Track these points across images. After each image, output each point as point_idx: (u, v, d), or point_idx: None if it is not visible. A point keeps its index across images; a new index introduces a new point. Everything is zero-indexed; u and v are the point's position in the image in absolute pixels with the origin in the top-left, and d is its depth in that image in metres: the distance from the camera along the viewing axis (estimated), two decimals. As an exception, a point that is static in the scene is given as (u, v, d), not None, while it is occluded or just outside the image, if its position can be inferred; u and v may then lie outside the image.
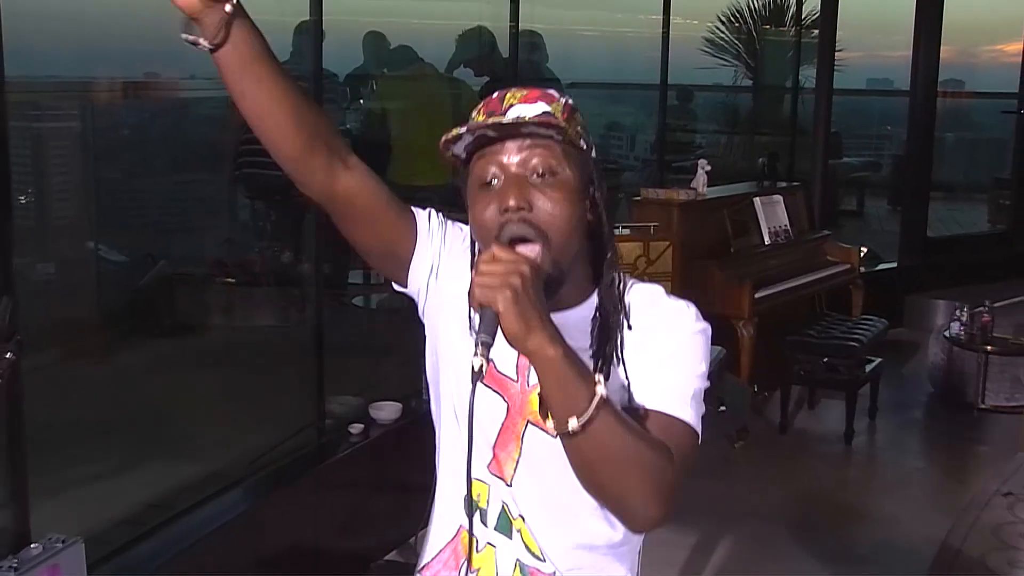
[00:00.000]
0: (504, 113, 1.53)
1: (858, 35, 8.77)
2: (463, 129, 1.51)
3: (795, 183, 6.48)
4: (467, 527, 1.61)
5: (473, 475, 1.55)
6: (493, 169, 1.52)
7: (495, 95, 1.57)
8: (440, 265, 1.66)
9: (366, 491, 4.13)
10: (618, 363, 1.56)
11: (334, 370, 4.20)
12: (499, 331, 1.39)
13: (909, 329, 7.24)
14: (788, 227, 5.95)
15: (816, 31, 7.37)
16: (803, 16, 7.97)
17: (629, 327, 1.58)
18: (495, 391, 1.63)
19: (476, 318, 1.43)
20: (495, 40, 5.94)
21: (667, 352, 1.55)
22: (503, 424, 1.63)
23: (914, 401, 6.20)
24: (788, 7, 8.36)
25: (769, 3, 8.54)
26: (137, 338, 5.36)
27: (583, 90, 8.08)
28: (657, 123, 7.05)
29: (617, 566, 1.70)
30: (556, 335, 1.39)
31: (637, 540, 1.72)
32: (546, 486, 1.61)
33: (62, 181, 5.38)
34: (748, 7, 8.57)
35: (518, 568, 1.66)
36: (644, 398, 1.53)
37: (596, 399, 1.38)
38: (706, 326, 1.60)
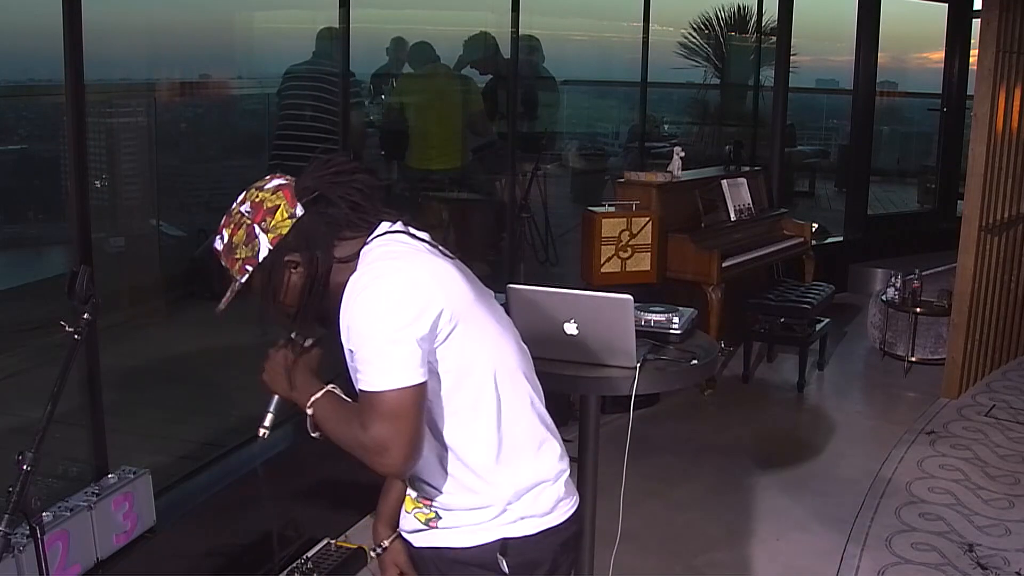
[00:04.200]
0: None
1: (810, 42, 8.73)
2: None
3: (756, 168, 6.45)
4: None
5: None
6: None
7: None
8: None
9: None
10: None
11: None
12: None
13: (852, 294, 7.26)
14: (751, 205, 5.94)
15: (774, 38, 7.32)
16: (763, 25, 7.93)
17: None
18: None
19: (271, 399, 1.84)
20: (498, 43, 5.91)
21: (351, 335, 1.66)
22: None
23: (856, 355, 6.22)
24: (750, 17, 8.30)
25: (734, 13, 8.47)
26: (193, 300, 5.36)
27: (574, 87, 8.05)
28: (638, 115, 7.01)
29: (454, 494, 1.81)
30: (310, 386, 1.79)
31: (481, 479, 1.78)
32: None
33: (130, 167, 5.37)
34: (716, 16, 8.50)
35: (414, 503, 1.90)
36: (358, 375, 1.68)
37: (314, 397, 1.75)
38: (373, 290, 1.62)
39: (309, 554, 3.43)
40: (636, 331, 2.88)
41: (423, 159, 5.76)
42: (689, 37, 8.53)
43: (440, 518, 1.83)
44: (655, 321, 3.76)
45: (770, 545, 3.74)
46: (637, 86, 6.70)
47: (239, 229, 1.71)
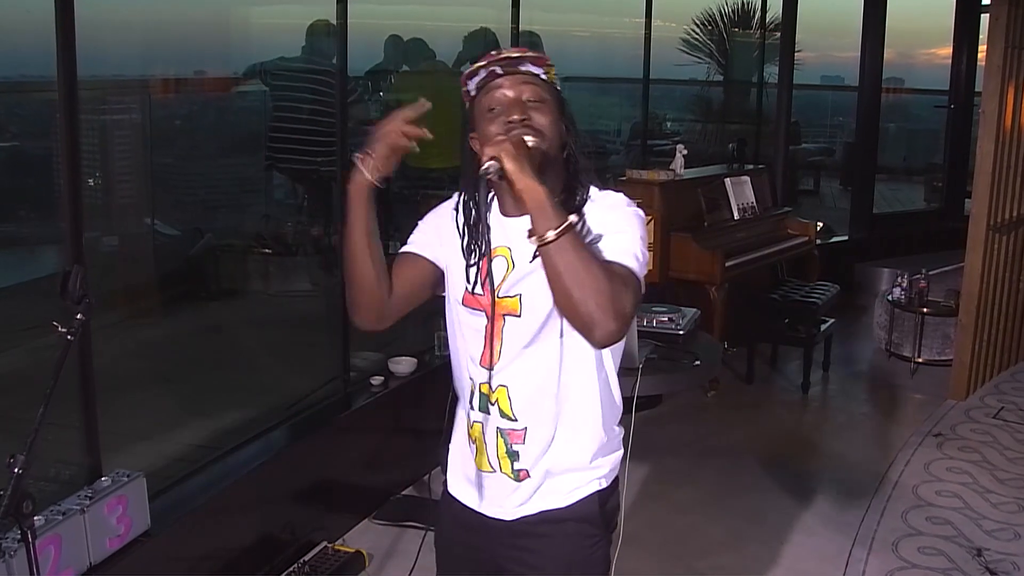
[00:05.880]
0: (501, 55, 1.79)
1: (814, 38, 8.72)
2: (482, 63, 1.79)
3: (760, 166, 6.46)
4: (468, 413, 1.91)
5: (469, 373, 1.88)
6: (497, 97, 1.79)
7: (492, 51, 1.81)
8: (442, 241, 1.91)
9: (385, 435, 4.16)
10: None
11: (358, 329, 4.21)
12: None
13: (858, 294, 7.25)
14: (754, 204, 5.94)
15: (778, 34, 7.32)
16: (767, 20, 7.92)
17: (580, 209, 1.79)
18: (474, 308, 1.86)
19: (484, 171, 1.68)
20: (498, 40, 5.90)
21: (613, 224, 1.76)
22: (486, 328, 1.84)
23: (861, 356, 6.22)
24: (754, 12, 8.30)
25: (738, 8, 8.46)
26: (187, 301, 5.36)
27: (575, 83, 8.04)
28: (640, 112, 7.01)
29: (575, 448, 1.89)
30: (542, 181, 1.65)
31: (594, 431, 1.89)
32: (521, 359, 1.82)
33: (124, 165, 5.36)
34: (719, 11, 8.50)
35: (499, 434, 1.87)
36: (603, 250, 1.72)
37: (567, 221, 1.61)
38: (639, 210, 1.83)
39: (306, 558, 3.44)
40: (638, 331, 2.89)
41: (422, 157, 5.73)
42: (692, 33, 8.53)
43: (544, 481, 1.90)
44: (658, 321, 3.77)
45: (774, 548, 3.74)
46: (639, 83, 6.69)
47: (552, 67, 1.85)
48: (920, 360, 5.80)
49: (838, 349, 6.03)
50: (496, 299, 1.80)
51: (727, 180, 5.81)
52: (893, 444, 4.70)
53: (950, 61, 8.09)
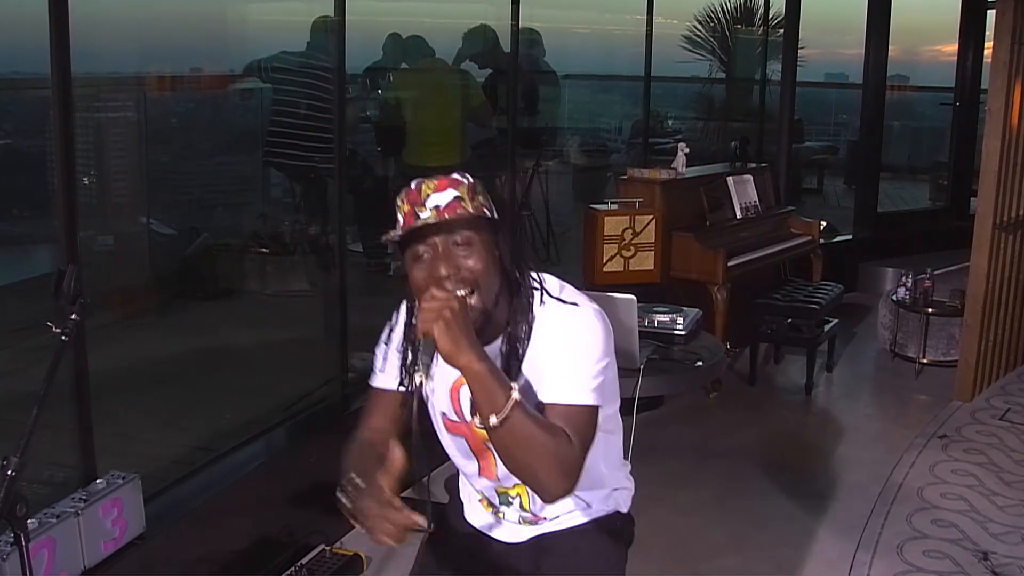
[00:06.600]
0: (423, 203, 1.74)
1: (818, 35, 8.74)
2: (397, 232, 1.75)
3: (763, 164, 6.45)
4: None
5: (475, 486, 2.00)
6: (423, 248, 1.74)
7: (412, 186, 1.78)
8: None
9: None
10: (518, 372, 1.76)
11: (356, 329, 4.21)
12: (436, 354, 1.63)
13: (862, 293, 7.25)
14: (757, 203, 5.93)
15: (781, 30, 7.32)
16: (770, 17, 7.92)
17: (526, 348, 1.78)
18: (455, 434, 1.93)
19: (420, 345, 1.64)
20: (498, 37, 5.91)
21: (563, 354, 1.74)
22: (471, 448, 1.92)
23: (865, 356, 6.21)
24: (757, 9, 8.31)
25: (740, 5, 8.48)
26: (184, 301, 5.36)
27: (576, 81, 8.05)
28: (642, 110, 7.01)
29: (589, 497, 1.99)
30: (481, 353, 1.63)
31: (607, 478, 2.00)
32: None
33: (119, 164, 5.37)
34: (722, 8, 8.51)
35: (521, 520, 1.99)
36: (546, 393, 1.72)
37: (511, 401, 1.60)
38: (595, 322, 1.78)
39: (304, 561, 3.43)
40: (639, 332, 2.89)
41: (421, 155, 5.76)
42: (694, 30, 8.55)
43: (557, 518, 1.98)
44: (659, 322, 3.76)
45: (777, 552, 3.73)
46: (640, 80, 6.69)
47: (481, 186, 1.82)
48: (925, 361, 5.79)
49: (842, 350, 6.02)
50: (474, 430, 1.84)
51: (729, 179, 5.80)
52: (897, 446, 4.70)
53: (955, 58, 8.08)
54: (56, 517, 2.61)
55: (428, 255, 1.73)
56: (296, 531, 3.52)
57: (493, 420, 1.60)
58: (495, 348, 1.78)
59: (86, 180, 4.95)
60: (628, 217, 5.11)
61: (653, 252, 5.14)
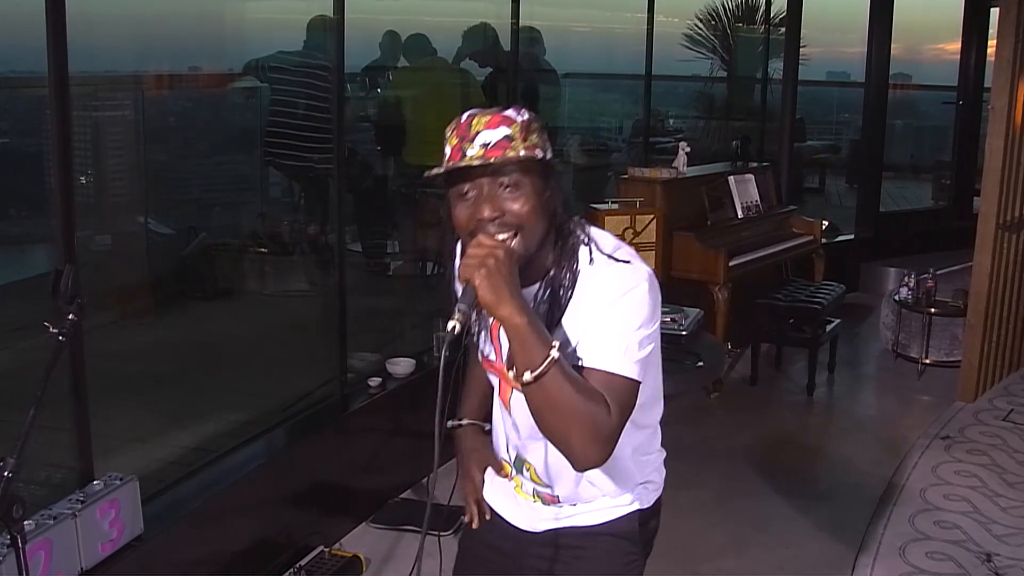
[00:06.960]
0: (472, 139, 1.64)
1: (820, 33, 8.74)
2: (442, 169, 1.66)
3: (765, 163, 6.46)
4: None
5: (504, 437, 1.92)
6: (468, 186, 1.65)
7: (464, 118, 1.68)
8: None
9: (383, 437, 4.15)
10: (557, 324, 1.67)
11: (355, 330, 4.21)
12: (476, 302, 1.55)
13: (864, 293, 7.26)
14: (758, 202, 5.94)
15: (783, 29, 7.32)
16: (772, 15, 7.93)
17: (568, 300, 1.68)
18: (489, 371, 1.88)
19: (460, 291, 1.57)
20: (498, 35, 5.90)
21: (605, 317, 1.64)
22: (502, 394, 1.86)
23: (868, 357, 6.22)
24: (758, 7, 8.30)
25: (742, 3, 8.47)
26: (182, 301, 5.36)
27: (576, 80, 8.04)
28: (642, 109, 7.01)
29: (607, 488, 1.89)
30: (523, 306, 1.55)
31: (626, 469, 1.90)
32: (537, 435, 1.72)
33: (117, 163, 5.36)
34: (723, 6, 8.50)
35: (535, 494, 1.92)
36: (587, 356, 1.64)
37: (549, 359, 1.53)
38: (644, 284, 1.67)
39: (303, 562, 3.43)
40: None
41: (421, 154, 5.76)
42: (695, 28, 8.54)
43: (577, 505, 1.91)
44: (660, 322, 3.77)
45: (778, 553, 3.73)
46: (641, 79, 6.69)
47: (537, 124, 1.71)
48: (928, 361, 5.79)
49: (844, 350, 6.02)
50: (510, 379, 1.74)
51: (731, 178, 5.81)
52: (900, 447, 4.70)
53: (959, 56, 8.09)
54: (53, 518, 2.61)
55: (473, 194, 1.65)
56: (295, 532, 3.52)
57: (527, 376, 1.55)
58: (532, 292, 1.70)
59: (83, 179, 4.95)
60: (629, 216, 5.11)
61: (654, 252, 5.14)
